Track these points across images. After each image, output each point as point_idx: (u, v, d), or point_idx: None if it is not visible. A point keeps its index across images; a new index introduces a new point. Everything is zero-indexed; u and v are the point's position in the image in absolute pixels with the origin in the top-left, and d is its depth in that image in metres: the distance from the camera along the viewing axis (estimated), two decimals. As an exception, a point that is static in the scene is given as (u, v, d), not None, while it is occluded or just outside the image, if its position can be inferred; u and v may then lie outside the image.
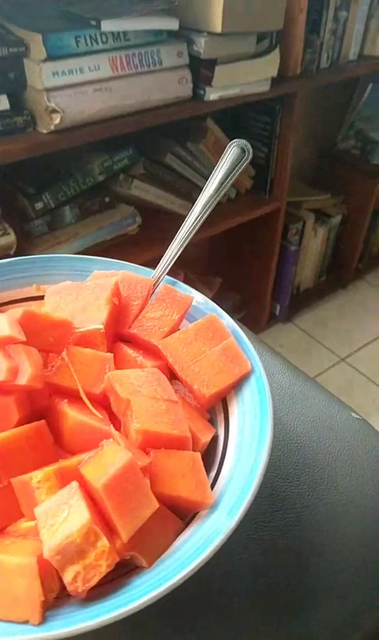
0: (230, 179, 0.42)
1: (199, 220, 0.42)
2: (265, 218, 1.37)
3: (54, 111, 0.86)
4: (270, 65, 1.09)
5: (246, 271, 1.56)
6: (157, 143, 1.15)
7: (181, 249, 0.42)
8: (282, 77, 1.15)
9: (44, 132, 0.89)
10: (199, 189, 1.27)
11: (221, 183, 0.42)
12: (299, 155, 1.65)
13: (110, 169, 1.06)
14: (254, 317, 1.63)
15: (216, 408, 0.37)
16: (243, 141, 0.42)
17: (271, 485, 0.40)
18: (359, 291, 1.82)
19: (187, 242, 0.42)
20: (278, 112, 1.23)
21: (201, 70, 1.02)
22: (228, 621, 0.33)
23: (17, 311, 0.34)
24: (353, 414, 0.46)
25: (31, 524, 0.28)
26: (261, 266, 1.51)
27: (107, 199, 1.10)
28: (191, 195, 1.25)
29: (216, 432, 0.36)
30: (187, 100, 1.03)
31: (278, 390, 0.48)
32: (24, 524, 0.28)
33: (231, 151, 0.42)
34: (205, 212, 0.42)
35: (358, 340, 1.64)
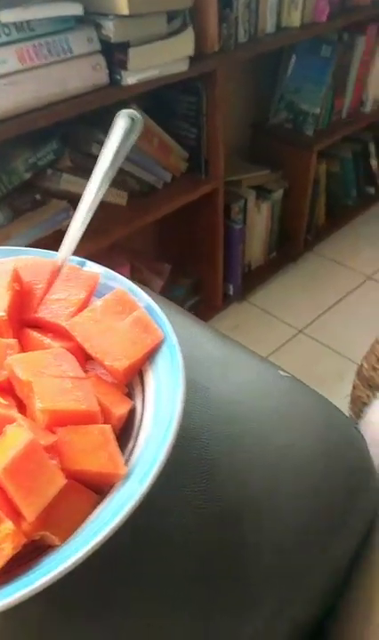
0: (123, 152, 0.41)
1: (98, 197, 0.41)
2: (205, 199, 1.37)
3: (-35, 109, 0.84)
4: (184, 44, 1.08)
5: (195, 255, 1.56)
6: (81, 134, 1.13)
7: (84, 228, 0.41)
8: (201, 55, 1.15)
9: None
10: (132, 177, 1.26)
11: (114, 158, 0.41)
12: (234, 132, 1.65)
13: (35, 165, 1.04)
14: (208, 300, 1.63)
15: (134, 381, 0.37)
16: (130, 110, 0.41)
17: (202, 450, 0.40)
18: (310, 263, 1.84)
19: (88, 220, 0.41)
20: (202, 90, 1.22)
21: (115, 54, 1.00)
22: (163, 587, 0.33)
23: None
24: (281, 372, 0.46)
25: None
26: (208, 248, 1.51)
27: (37, 196, 1.08)
28: (125, 183, 1.24)
29: (134, 405, 0.35)
30: (104, 87, 1.02)
31: (207, 359, 0.48)
32: None
33: (119, 123, 0.41)
34: (102, 188, 0.41)
35: (314, 311, 1.66)
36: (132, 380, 0.37)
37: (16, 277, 0.38)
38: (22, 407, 0.33)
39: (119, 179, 1.20)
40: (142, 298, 0.39)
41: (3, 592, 0.24)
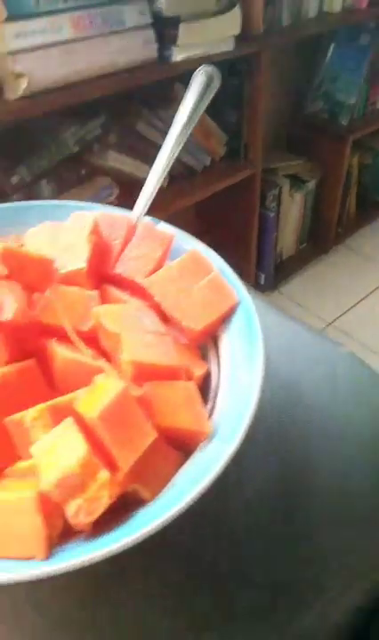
0: (200, 108, 0.40)
1: (173, 155, 0.40)
2: (242, 185, 1.35)
3: (20, 75, 0.83)
4: (232, 22, 1.07)
5: (229, 241, 1.54)
6: (128, 111, 1.12)
7: (158, 186, 0.40)
8: (246, 36, 1.13)
9: (13, 98, 0.86)
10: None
11: (192, 114, 0.40)
12: (270, 120, 1.62)
13: (84, 138, 1.03)
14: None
15: (207, 344, 0.36)
16: (210, 67, 0.40)
17: (270, 421, 0.39)
18: (341, 255, 1.81)
19: (163, 178, 0.40)
20: (245, 73, 1.20)
21: (165, 30, 0.99)
22: (232, 550, 0.32)
23: (-8, 250, 0.31)
24: (341, 349, 0.45)
25: (28, 463, 0.26)
26: (242, 235, 1.50)
27: (83, 171, 1.07)
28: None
29: (209, 368, 0.34)
30: (153, 63, 1.00)
31: (265, 330, 0.47)
32: (21, 465, 0.27)
33: (197, 78, 0.40)
34: (178, 146, 0.40)
35: (344, 304, 1.63)
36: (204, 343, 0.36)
37: (96, 230, 0.37)
38: (105, 358, 0.32)
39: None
40: (216, 261, 0.38)
41: (102, 541, 0.24)
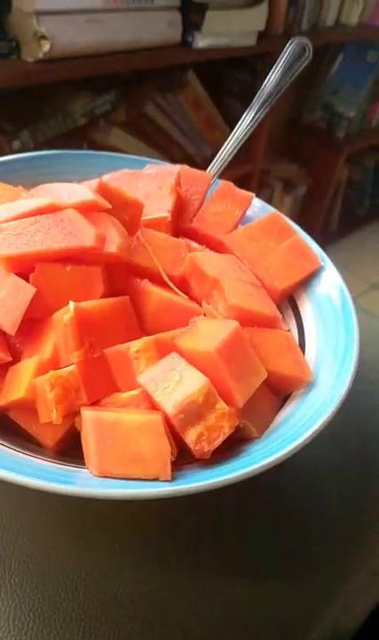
0: (291, 78, 0.40)
1: (257, 120, 0.40)
2: (239, 181, 1.36)
3: (43, 37, 0.81)
4: (258, 17, 1.08)
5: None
6: (138, 91, 1.11)
7: (237, 148, 0.40)
8: (266, 35, 1.14)
9: (31, 60, 0.83)
10: (176, 145, 1.24)
11: (280, 82, 0.40)
12: (269, 123, 1.65)
13: (92, 112, 1.02)
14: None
15: (282, 305, 0.36)
16: (304, 39, 0.40)
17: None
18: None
19: (242, 142, 0.40)
20: (260, 70, 1.22)
21: (191, 15, 0.99)
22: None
23: (91, 183, 0.31)
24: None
25: (133, 393, 0.26)
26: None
27: (84, 145, 1.05)
28: (168, 150, 1.23)
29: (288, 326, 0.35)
30: (176, 45, 1.00)
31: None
32: (124, 394, 0.26)
33: (291, 49, 0.40)
34: (263, 110, 0.40)
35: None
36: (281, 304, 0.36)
37: (178, 182, 0.36)
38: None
39: (163, 143, 1.18)
40: (295, 226, 0.39)
41: (226, 468, 0.23)
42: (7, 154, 0.95)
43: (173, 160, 1.24)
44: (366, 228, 2.05)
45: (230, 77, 1.27)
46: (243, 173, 1.34)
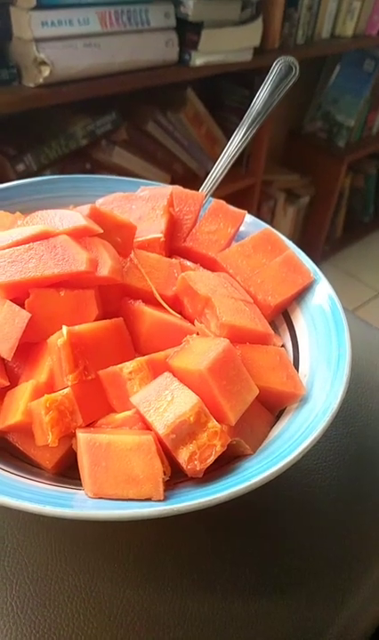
0: (278, 96, 0.41)
1: (247, 138, 0.41)
2: (241, 193, 1.37)
3: (43, 63, 0.83)
4: (253, 34, 1.10)
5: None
6: (139, 110, 1.13)
7: (229, 165, 0.41)
8: (262, 49, 1.16)
9: (31, 85, 0.85)
10: (179, 161, 1.26)
11: (268, 100, 0.41)
12: (270, 134, 1.66)
13: (93, 133, 1.03)
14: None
15: (277, 320, 0.37)
16: (290, 58, 0.41)
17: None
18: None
19: (233, 159, 0.41)
20: (257, 84, 1.23)
21: (187, 34, 1.00)
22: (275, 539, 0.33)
23: (83, 208, 0.32)
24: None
25: (127, 413, 0.26)
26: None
27: (87, 165, 1.07)
28: (171, 166, 1.24)
29: (282, 341, 0.35)
30: (173, 65, 1.02)
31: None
32: (119, 415, 0.27)
33: (277, 68, 0.41)
34: (252, 129, 0.41)
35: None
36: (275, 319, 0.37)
37: (171, 203, 0.37)
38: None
39: (165, 160, 1.19)
40: (287, 242, 0.39)
41: (219, 486, 0.24)
42: (12, 177, 0.98)
43: (177, 175, 1.26)
44: (371, 235, 2.05)
45: (229, 91, 1.28)
46: (245, 186, 1.35)
